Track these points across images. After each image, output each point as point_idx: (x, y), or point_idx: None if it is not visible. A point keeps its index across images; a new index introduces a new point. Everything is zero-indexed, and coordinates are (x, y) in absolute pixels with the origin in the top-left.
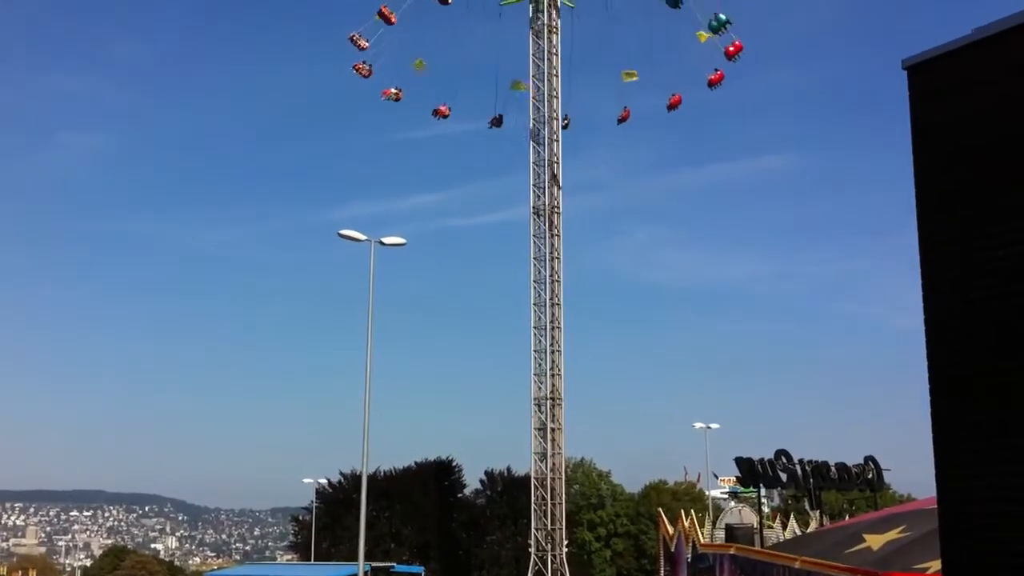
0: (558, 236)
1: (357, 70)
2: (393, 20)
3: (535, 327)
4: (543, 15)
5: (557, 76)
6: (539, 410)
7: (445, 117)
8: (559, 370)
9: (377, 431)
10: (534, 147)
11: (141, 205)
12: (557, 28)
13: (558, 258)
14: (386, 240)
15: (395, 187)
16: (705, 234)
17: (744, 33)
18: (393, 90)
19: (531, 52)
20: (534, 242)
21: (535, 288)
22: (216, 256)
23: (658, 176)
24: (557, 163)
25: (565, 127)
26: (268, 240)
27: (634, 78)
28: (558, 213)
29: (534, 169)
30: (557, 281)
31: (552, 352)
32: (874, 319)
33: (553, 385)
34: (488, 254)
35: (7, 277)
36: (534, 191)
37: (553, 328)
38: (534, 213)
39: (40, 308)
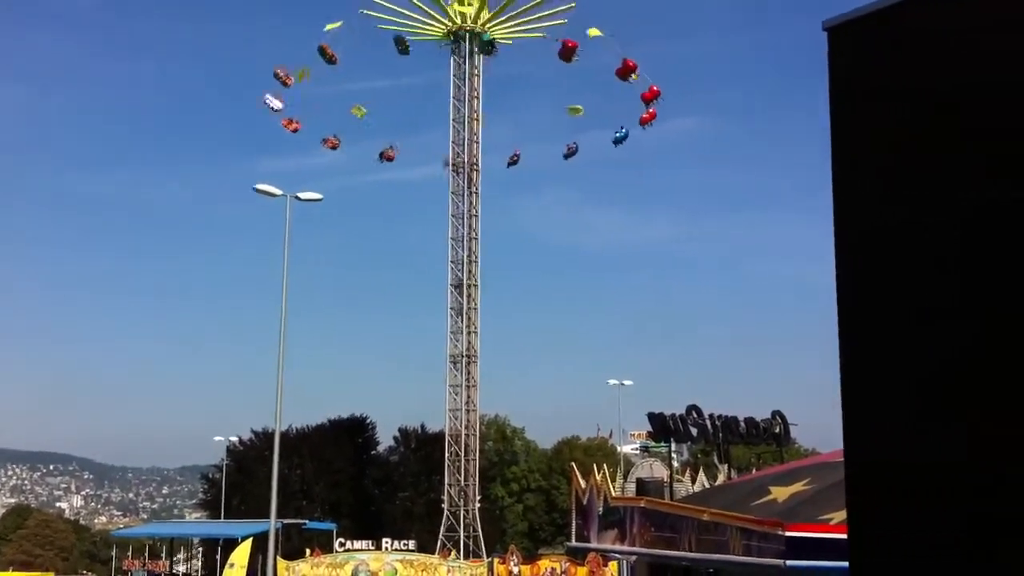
0: (476, 194)
1: (285, 126)
2: (336, 60)
3: (452, 284)
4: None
5: (478, 120)
6: (455, 367)
7: (335, 148)
8: (475, 327)
9: (290, 388)
10: (454, 104)
11: (49, 155)
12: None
13: (476, 216)
14: (302, 195)
15: (311, 143)
16: (618, 196)
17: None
18: (332, 138)
19: (452, 74)
20: (452, 199)
21: (453, 245)
22: (121, 206)
23: (570, 137)
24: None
25: (514, 163)
26: (179, 193)
27: (580, 113)
28: (477, 171)
29: (454, 126)
30: (475, 239)
31: (468, 309)
32: (782, 279)
33: (469, 342)
34: (406, 211)
35: None
36: (453, 148)
37: (470, 286)
38: (452, 170)
39: None
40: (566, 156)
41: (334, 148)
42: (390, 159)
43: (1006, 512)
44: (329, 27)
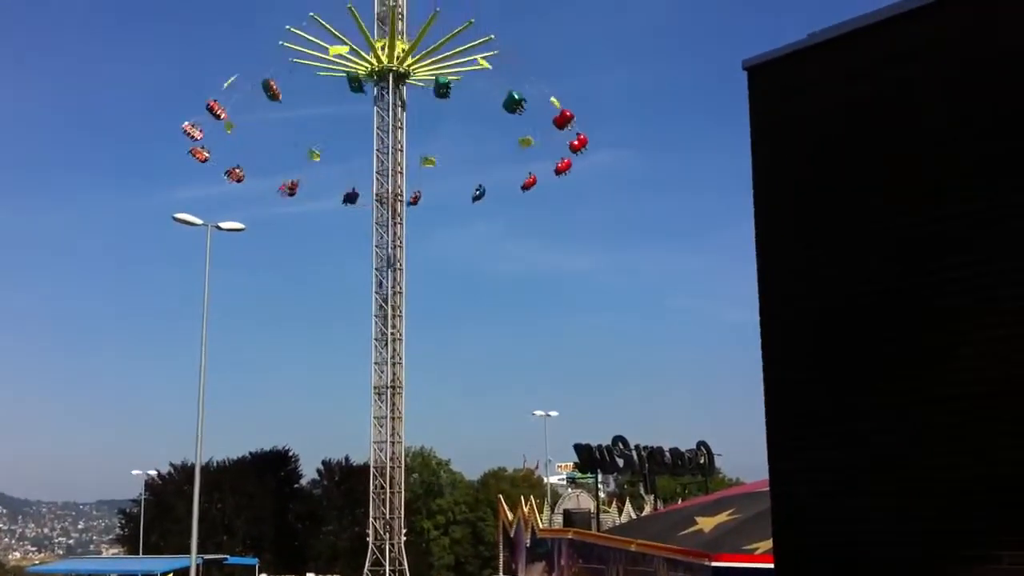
0: (401, 224)
1: (193, 154)
2: (223, 116)
3: (376, 315)
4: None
5: (402, 150)
6: (379, 399)
7: (239, 180)
8: (400, 358)
9: (211, 421)
10: (378, 134)
11: None
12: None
13: (400, 246)
14: (223, 225)
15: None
16: (543, 227)
17: (579, 34)
18: (238, 171)
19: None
20: (376, 230)
21: (377, 276)
22: (42, 240)
23: (495, 167)
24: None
25: (414, 202)
26: (95, 224)
27: (432, 164)
28: (401, 201)
29: (378, 156)
30: (399, 269)
31: (393, 340)
32: (708, 313)
33: (394, 374)
34: (329, 241)
35: None
36: (377, 178)
37: (394, 316)
38: (376, 200)
39: None
40: (474, 199)
41: (239, 181)
42: (352, 201)
43: (941, 546)
44: (227, 84)
